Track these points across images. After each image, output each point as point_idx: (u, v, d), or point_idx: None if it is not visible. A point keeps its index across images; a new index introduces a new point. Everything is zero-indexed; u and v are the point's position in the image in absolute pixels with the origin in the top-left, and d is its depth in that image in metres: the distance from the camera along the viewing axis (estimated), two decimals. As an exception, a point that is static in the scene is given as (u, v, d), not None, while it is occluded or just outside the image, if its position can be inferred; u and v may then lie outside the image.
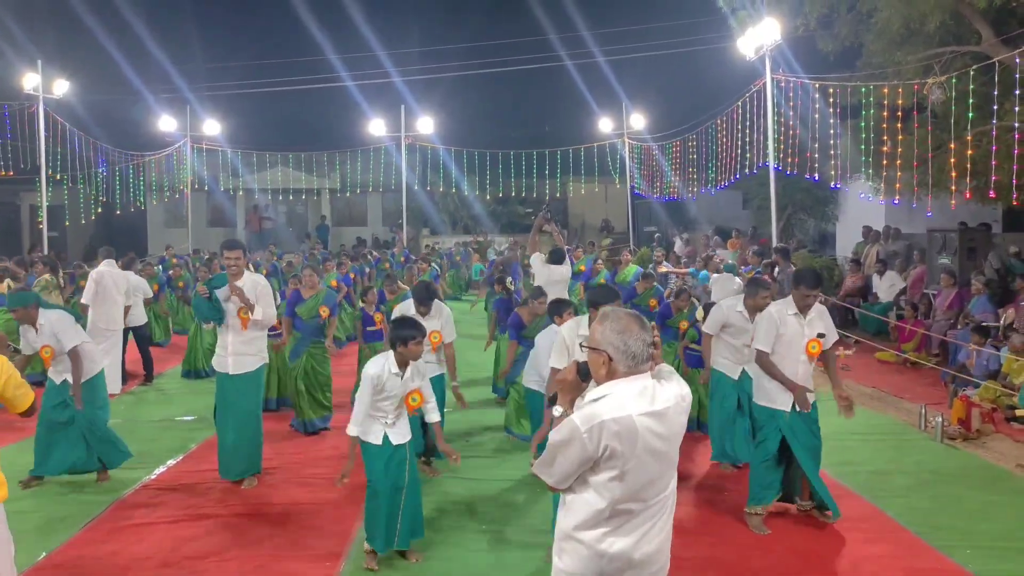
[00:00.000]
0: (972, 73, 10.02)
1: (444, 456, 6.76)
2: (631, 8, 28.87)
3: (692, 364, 7.52)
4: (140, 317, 10.42)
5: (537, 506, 5.86)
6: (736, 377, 6.52)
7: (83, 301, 9.57)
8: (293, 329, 8.17)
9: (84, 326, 9.56)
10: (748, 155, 14.75)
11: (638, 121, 22.77)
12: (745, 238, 17.80)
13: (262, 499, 6.07)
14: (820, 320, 5.48)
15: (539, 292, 7.61)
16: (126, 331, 10.10)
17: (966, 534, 5.34)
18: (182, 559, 5.02)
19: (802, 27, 12.49)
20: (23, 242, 25.38)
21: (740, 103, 14.49)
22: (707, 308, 7.29)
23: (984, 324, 9.80)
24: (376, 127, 23.67)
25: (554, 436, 2.68)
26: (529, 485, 6.27)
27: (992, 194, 10.23)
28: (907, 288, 12.98)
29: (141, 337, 10.49)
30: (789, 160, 13.63)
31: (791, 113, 13.44)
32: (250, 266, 7.70)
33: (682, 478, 4.40)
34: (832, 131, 13.07)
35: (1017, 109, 9.10)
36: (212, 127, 23.95)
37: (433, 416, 5.19)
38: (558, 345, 5.04)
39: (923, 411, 7.92)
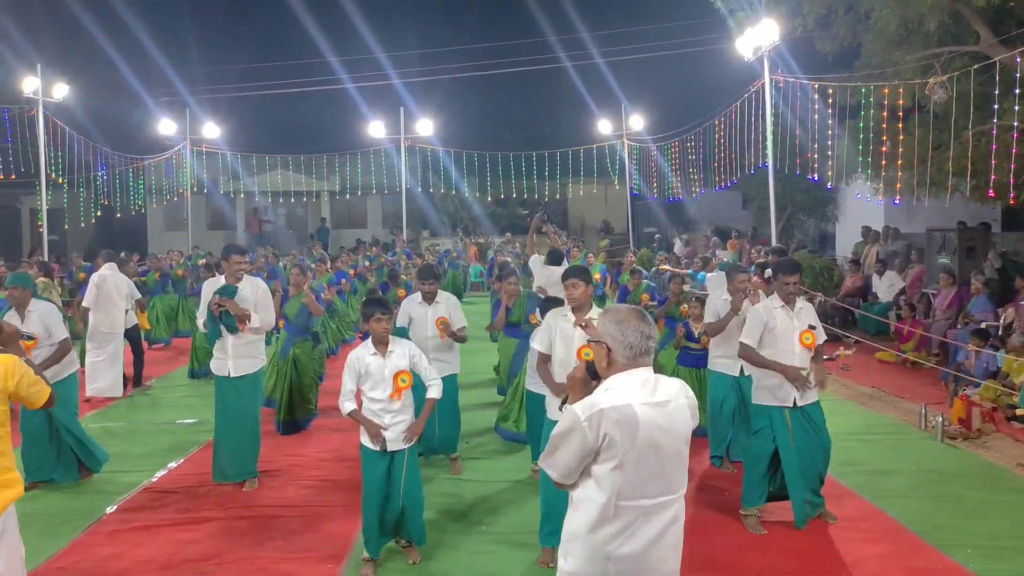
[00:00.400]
0: (971, 73, 10.03)
1: (441, 453, 6.81)
2: (630, 10, 28.95)
3: (686, 363, 7.51)
4: (130, 319, 10.37)
5: (537, 506, 5.84)
6: (735, 374, 6.52)
7: (84, 304, 9.56)
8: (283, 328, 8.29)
9: (84, 328, 9.66)
10: (747, 156, 14.75)
11: (637, 122, 22.82)
12: (745, 239, 17.81)
13: (263, 502, 6.07)
14: (808, 313, 5.50)
15: (510, 272, 7.81)
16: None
17: (966, 533, 5.33)
18: (183, 562, 5.02)
19: (800, 28, 12.49)
20: (23, 246, 25.42)
21: (739, 104, 14.51)
22: (700, 300, 7.33)
23: (983, 327, 9.79)
24: (376, 129, 23.69)
25: (556, 428, 2.74)
26: (529, 485, 6.27)
27: (991, 193, 10.24)
28: (906, 288, 12.97)
29: (132, 340, 10.44)
30: (787, 163, 13.63)
31: (790, 114, 13.45)
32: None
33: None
34: (830, 131, 13.08)
35: (1017, 109, 9.11)
36: (211, 130, 23.99)
37: (433, 392, 5.05)
38: (542, 328, 5.10)
39: (923, 411, 7.92)
